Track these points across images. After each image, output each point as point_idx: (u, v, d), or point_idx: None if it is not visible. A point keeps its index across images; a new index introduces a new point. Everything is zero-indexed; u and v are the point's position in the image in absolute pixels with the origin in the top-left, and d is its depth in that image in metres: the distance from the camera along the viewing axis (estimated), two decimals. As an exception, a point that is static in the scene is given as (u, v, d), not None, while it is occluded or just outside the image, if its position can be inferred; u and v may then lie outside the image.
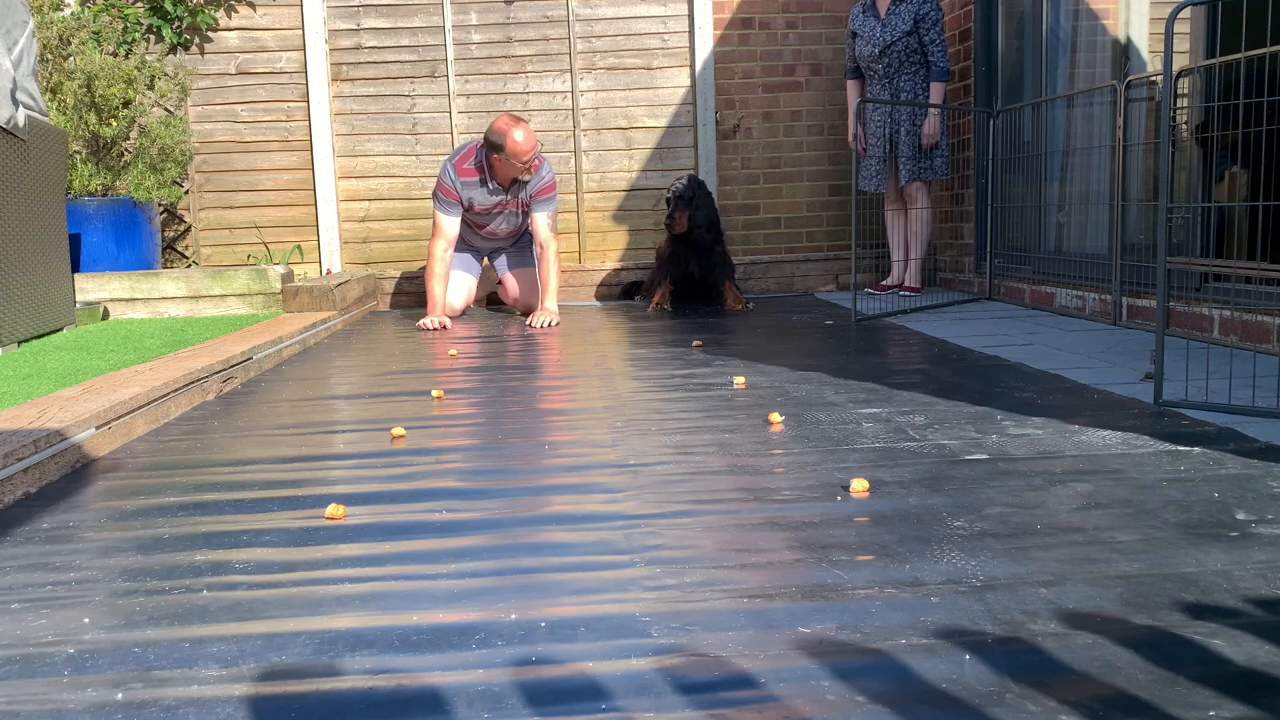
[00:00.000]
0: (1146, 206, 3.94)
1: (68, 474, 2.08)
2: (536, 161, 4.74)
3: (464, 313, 5.19)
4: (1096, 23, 4.53)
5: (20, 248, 3.70)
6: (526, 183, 4.81)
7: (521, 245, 5.21)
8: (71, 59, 4.99)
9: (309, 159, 5.86)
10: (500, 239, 5.11)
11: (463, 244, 5.06)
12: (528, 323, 4.65)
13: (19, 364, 3.16)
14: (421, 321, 4.66)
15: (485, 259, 5.28)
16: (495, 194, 4.83)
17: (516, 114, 5.26)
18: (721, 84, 5.96)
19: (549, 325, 4.56)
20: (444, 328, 4.59)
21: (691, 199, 5.06)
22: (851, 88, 5.29)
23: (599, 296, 5.91)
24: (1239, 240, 3.46)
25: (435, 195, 4.82)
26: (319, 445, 2.27)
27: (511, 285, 5.16)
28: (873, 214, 5.61)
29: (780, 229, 6.11)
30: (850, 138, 5.27)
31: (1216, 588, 1.28)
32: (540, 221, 4.82)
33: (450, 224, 4.81)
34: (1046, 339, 3.59)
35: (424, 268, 5.16)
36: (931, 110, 4.91)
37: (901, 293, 5.20)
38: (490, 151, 4.69)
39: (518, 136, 4.59)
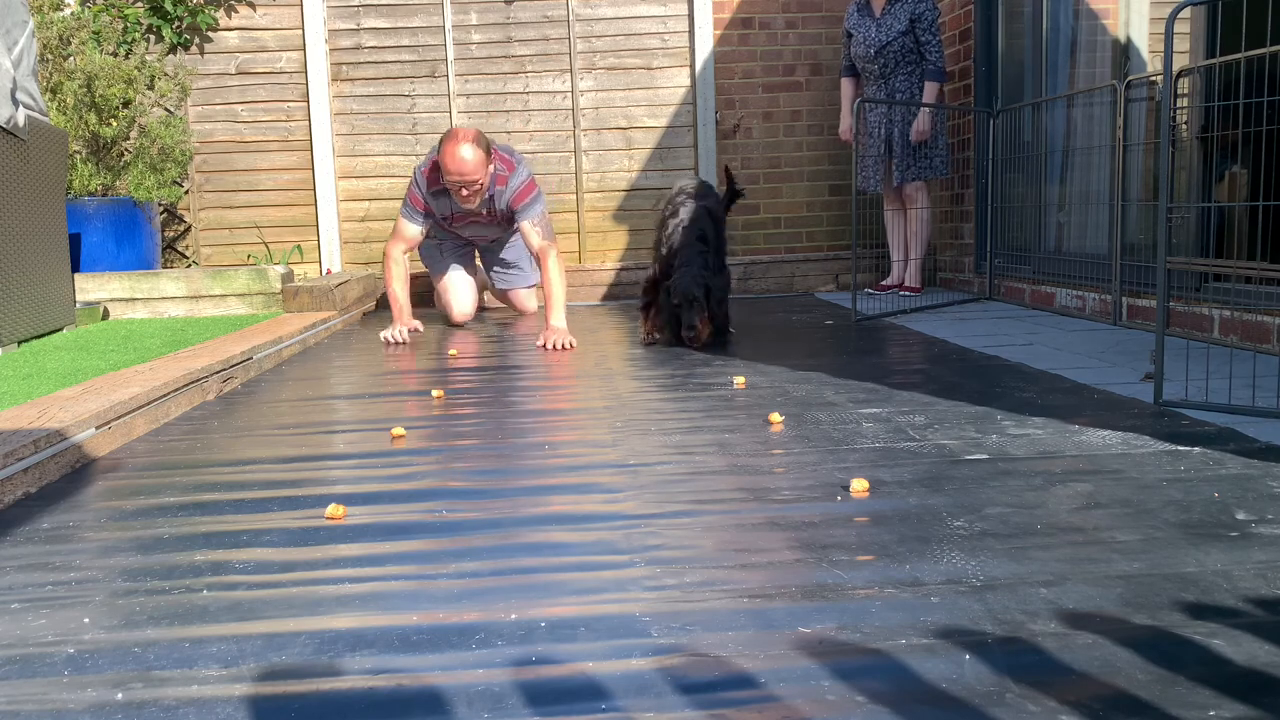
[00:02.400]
0: (1146, 206, 3.94)
1: (68, 474, 2.08)
2: (470, 191, 4.18)
3: (475, 315, 4.93)
4: (1096, 23, 4.53)
5: (20, 248, 3.70)
6: (501, 193, 4.34)
7: (511, 245, 4.90)
8: (71, 59, 4.99)
9: (309, 159, 5.86)
10: (484, 241, 4.85)
11: (451, 234, 4.74)
12: (538, 344, 3.85)
13: (19, 364, 3.16)
14: (384, 334, 4.15)
15: (477, 258, 5.00)
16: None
17: (479, 130, 4.25)
18: (721, 84, 5.96)
19: (562, 347, 3.77)
20: (417, 330, 4.34)
21: (702, 296, 3.55)
22: (846, 85, 5.29)
23: (599, 296, 5.91)
24: (1239, 240, 3.46)
25: (404, 200, 4.47)
26: (319, 445, 2.27)
27: (503, 295, 5.08)
28: (872, 214, 5.61)
29: (780, 229, 6.11)
30: (844, 129, 5.28)
31: (1216, 588, 1.28)
32: (529, 231, 4.28)
33: (412, 230, 4.42)
34: (1046, 339, 3.59)
35: (422, 269, 5.08)
36: (924, 109, 4.91)
37: (901, 293, 5.20)
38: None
39: (453, 151, 4.06)
